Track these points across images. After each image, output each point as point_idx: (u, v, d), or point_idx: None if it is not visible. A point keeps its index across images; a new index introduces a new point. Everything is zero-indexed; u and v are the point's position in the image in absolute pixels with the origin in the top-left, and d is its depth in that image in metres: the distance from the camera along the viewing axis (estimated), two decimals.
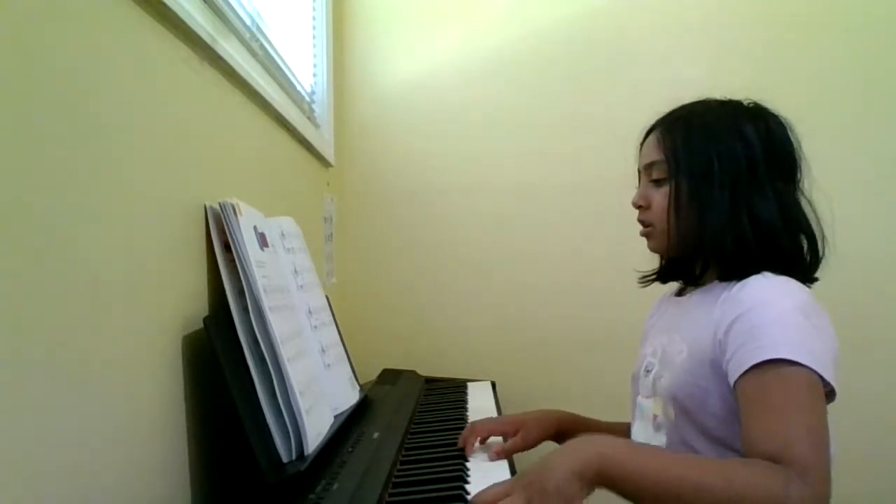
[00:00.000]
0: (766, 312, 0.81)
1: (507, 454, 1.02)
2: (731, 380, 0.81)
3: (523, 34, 1.91)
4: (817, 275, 0.93)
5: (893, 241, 1.79)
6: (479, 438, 1.07)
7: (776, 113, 0.94)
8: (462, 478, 0.92)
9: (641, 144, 1.00)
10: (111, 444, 0.68)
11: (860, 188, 1.78)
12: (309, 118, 1.64)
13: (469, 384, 1.62)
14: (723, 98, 0.96)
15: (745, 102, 0.95)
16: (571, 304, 1.87)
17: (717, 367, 0.84)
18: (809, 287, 0.91)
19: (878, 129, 1.81)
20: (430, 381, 1.67)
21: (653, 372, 0.97)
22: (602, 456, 0.72)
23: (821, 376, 0.76)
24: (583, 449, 0.74)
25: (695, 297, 0.96)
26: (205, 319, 0.84)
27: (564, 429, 1.14)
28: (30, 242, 0.57)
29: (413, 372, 1.68)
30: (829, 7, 1.82)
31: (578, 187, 1.86)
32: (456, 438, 1.12)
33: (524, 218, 1.90)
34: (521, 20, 1.91)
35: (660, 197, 0.95)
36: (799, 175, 0.94)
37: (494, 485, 0.76)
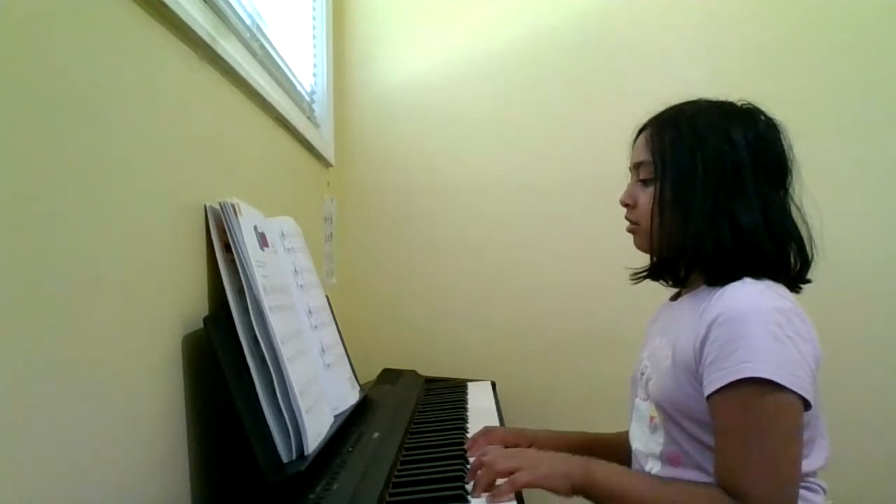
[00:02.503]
0: (738, 326, 0.81)
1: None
2: (705, 393, 0.83)
3: (523, 34, 1.91)
4: (810, 277, 0.92)
5: (894, 241, 1.79)
6: (488, 444, 1.07)
7: (770, 116, 0.94)
8: (462, 478, 0.92)
9: (634, 142, 1.00)
10: (111, 443, 0.68)
11: (861, 188, 1.78)
12: (309, 118, 1.64)
13: (469, 384, 1.63)
14: (716, 99, 0.95)
15: (739, 104, 0.94)
16: (572, 304, 1.87)
17: (696, 375, 0.85)
18: (799, 291, 0.91)
19: (878, 128, 1.81)
20: (430, 381, 1.67)
21: (645, 375, 0.98)
22: (589, 471, 0.86)
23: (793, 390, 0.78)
24: (577, 460, 0.89)
25: (685, 302, 0.97)
26: (205, 319, 0.84)
27: (580, 450, 1.14)
28: (30, 242, 0.57)
29: (413, 372, 1.68)
30: (829, 7, 1.82)
31: (579, 187, 1.86)
32: (456, 438, 1.13)
33: (524, 218, 1.90)
34: (520, 21, 1.91)
35: (645, 197, 0.95)
36: (789, 180, 0.93)
37: (501, 456, 0.90)
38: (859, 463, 1.64)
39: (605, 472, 0.87)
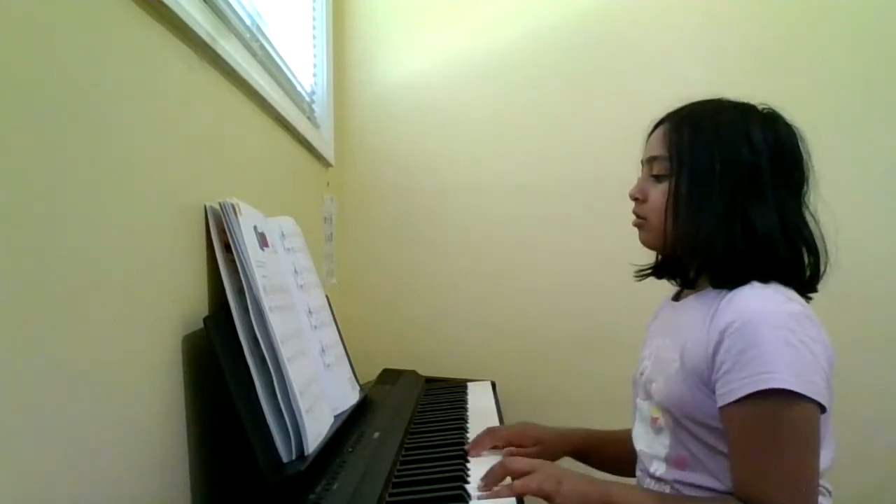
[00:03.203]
0: (752, 333, 0.80)
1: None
2: (719, 403, 0.82)
3: (523, 34, 1.91)
4: (818, 288, 0.92)
5: (894, 241, 1.79)
6: (493, 444, 1.06)
7: (790, 122, 0.93)
8: (462, 478, 0.92)
9: (649, 136, 0.99)
10: (111, 443, 0.68)
11: (861, 188, 1.78)
12: (309, 118, 1.64)
13: (469, 384, 1.62)
14: (737, 100, 0.94)
15: (760, 107, 0.93)
16: (572, 304, 1.87)
17: (708, 383, 0.85)
18: (808, 300, 0.90)
19: (878, 128, 1.81)
20: (430, 381, 1.67)
21: (645, 375, 0.97)
22: (607, 494, 0.86)
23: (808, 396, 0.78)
24: (597, 484, 0.89)
25: (689, 303, 0.96)
26: (205, 319, 0.84)
27: (584, 448, 1.14)
28: (30, 242, 0.57)
29: (413, 372, 1.68)
30: (829, 7, 1.82)
31: (579, 187, 1.86)
32: (456, 438, 1.13)
33: (524, 218, 1.90)
34: (520, 21, 1.91)
35: (657, 193, 0.94)
36: (806, 187, 0.92)
37: (521, 459, 0.92)
38: (860, 463, 1.64)
39: (623, 495, 0.87)
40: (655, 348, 0.97)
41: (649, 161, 0.97)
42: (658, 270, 1.03)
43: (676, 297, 1.02)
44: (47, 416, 0.58)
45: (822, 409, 0.80)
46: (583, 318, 1.86)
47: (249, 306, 0.86)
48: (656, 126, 0.98)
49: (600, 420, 1.18)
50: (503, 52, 1.91)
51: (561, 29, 1.90)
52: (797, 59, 1.82)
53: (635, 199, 0.98)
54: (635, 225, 0.99)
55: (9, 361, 0.53)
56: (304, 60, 1.71)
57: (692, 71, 1.80)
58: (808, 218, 0.91)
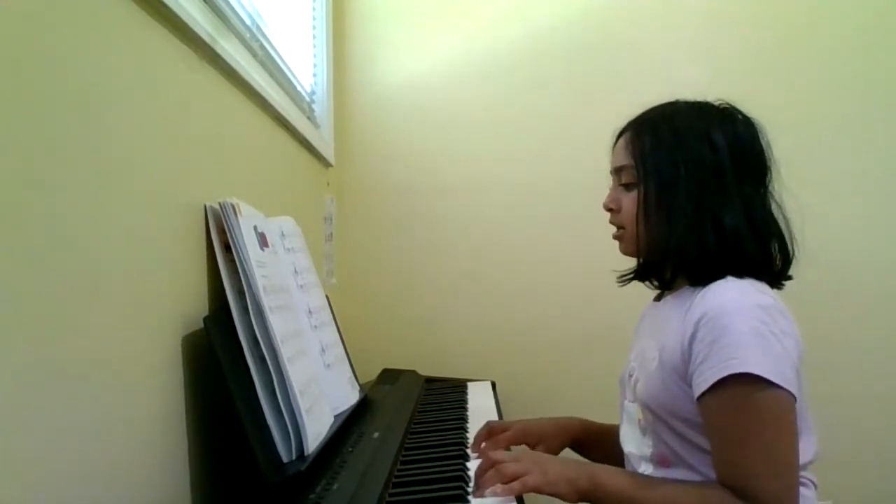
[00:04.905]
0: (724, 323, 0.81)
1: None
2: (695, 394, 0.83)
3: (523, 34, 1.91)
4: (791, 274, 0.93)
5: (894, 240, 1.79)
6: (494, 447, 1.06)
7: (747, 114, 0.94)
8: (462, 478, 0.92)
9: (613, 146, 1.00)
10: (111, 444, 0.68)
11: (861, 187, 1.77)
12: (309, 118, 1.64)
13: (469, 384, 1.62)
14: (693, 100, 0.96)
15: (717, 104, 0.95)
16: (572, 304, 1.87)
17: (684, 376, 0.86)
18: (781, 288, 0.92)
19: (878, 128, 1.80)
20: (430, 381, 1.67)
21: (633, 376, 0.98)
22: (594, 476, 0.87)
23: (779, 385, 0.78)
24: (583, 467, 0.90)
25: (668, 302, 0.97)
26: (205, 319, 0.84)
27: (584, 438, 1.15)
28: (30, 242, 0.57)
29: (413, 372, 1.68)
30: (829, 7, 1.82)
31: (579, 187, 1.85)
32: (456, 438, 1.13)
33: (524, 218, 1.90)
34: (520, 20, 1.91)
35: (629, 201, 0.96)
36: (768, 178, 0.94)
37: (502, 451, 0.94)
38: (859, 463, 1.64)
39: (609, 476, 0.88)
40: (640, 349, 0.98)
41: (617, 171, 0.99)
42: (639, 274, 1.04)
43: (658, 298, 1.03)
44: (47, 415, 0.58)
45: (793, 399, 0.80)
46: (583, 318, 1.86)
47: (249, 306, 0.86)
48: (619, 135, 1.00)
49: (600, 419, 1.18)
50: (503, 52, 1.91)
51: (561, 29, 1.90)
52: (797, 59, 1.82)
53: (609, 210, 1.00)
54: (616, 237, 1.00)
55: (9, 361, 0.53)
56: (304, 60, 1.71)
57: (692, 71, 1.80)
58: (774, 209, 0.93)
